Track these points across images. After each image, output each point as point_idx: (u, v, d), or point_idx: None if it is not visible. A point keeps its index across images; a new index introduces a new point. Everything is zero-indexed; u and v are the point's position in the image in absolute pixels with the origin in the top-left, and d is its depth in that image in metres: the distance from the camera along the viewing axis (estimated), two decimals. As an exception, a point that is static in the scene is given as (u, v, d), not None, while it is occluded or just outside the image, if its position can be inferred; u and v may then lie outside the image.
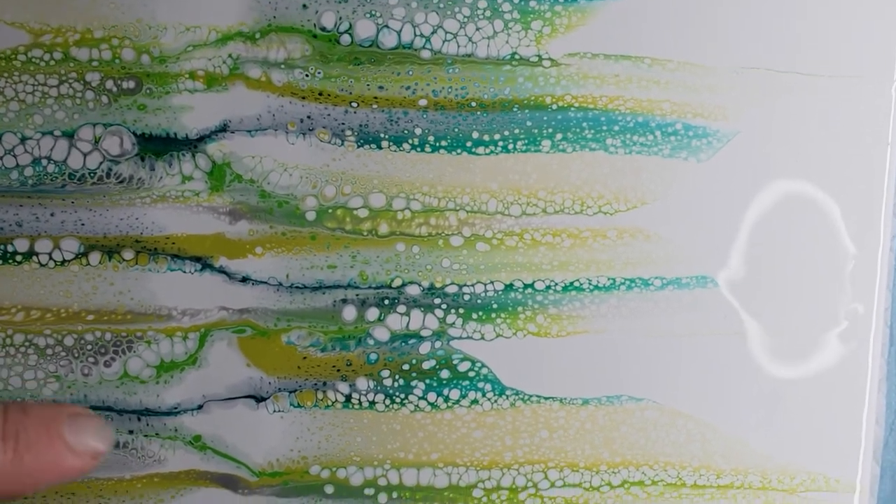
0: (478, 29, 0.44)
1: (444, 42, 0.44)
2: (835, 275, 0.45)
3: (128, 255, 0.44)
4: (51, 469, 0.27)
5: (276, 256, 0.44)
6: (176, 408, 0.44)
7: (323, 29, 0.43)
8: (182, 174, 0.44)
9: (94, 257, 0.44)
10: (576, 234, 0.44)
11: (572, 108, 0.44)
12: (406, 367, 0.45)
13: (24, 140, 0.43)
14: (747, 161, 0.44)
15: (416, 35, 0.44)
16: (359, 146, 0.44)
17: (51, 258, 0.44)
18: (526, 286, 0.45)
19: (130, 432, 0.44)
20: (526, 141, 0.44)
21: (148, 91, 0.43)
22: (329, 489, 0.45)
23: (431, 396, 0.45)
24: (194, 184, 0.44)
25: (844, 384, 0.45)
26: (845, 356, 0.45)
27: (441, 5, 0.43)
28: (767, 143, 0.44)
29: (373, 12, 0.43)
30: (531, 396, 0.45)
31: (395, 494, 0.45)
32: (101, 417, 0.30)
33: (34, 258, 0.44)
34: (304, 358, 0.45)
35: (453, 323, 0.45)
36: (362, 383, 0.45)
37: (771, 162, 0.44)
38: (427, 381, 0.45)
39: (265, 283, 0.44)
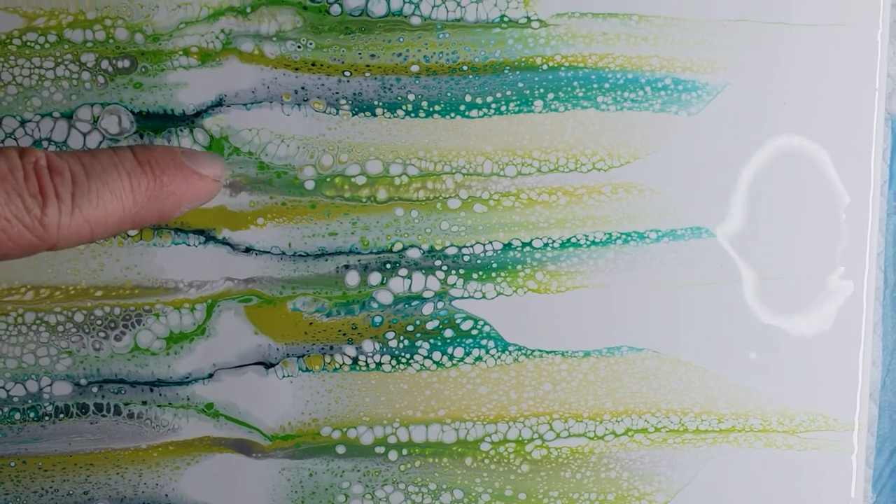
0: (466, -7, 0.44)
1: (433, 8, 0.44)
2: (828, 221, 0.45)
3: (132, 230, 0.45)
4: (186, 190, 0.32)
5: (278, 226, 0.45)
6: (187, 377, 0.46)
7: (313, 0, 0.44)
8: (181, 150, 0.44)
9: (100, 235, 0.45)
10: (571, 191, 0.45)
11: (562, 68, 0.44)
12: (410, 328, 0.46)
13: (23, 123, 0.44)
14: (737, 112, 0.45)
15: (405, 2, 0.44)
16: (353, 114, 0.45)
17: (57, 237, 0.45)
18: (524, 244, 0.45)
19: (144, 403, 0.46)
20: (518, 102, 0.45)
21: (143, 69, 0.44)
22: (341, 449, 0.46)
23: (436, 355, 0.46)
24: (194, 158, 0.44)
25: (840, 327, 0.46)
26: (840, 300, 0.46)
27: (428, -29, 0.44)
28: (756, 94, 0.45)
29: (361, -19, 0.44)
30: (533, 351, 0.46)
31: (405, 451, 0.46)
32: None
33: (41, 238, 0.45)
34: (311, 323, 0.46)
35: (454, 283, 0.45)
36: (368, 346, 0.46)
37: (761, 112, 0.45)
38: (431, 340, 0.46)
39: (268, 252, 0.45)
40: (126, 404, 0.46)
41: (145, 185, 0.31)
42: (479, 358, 0.46)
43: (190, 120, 0.44)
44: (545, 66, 0.44)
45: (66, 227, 0.29)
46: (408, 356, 0.46)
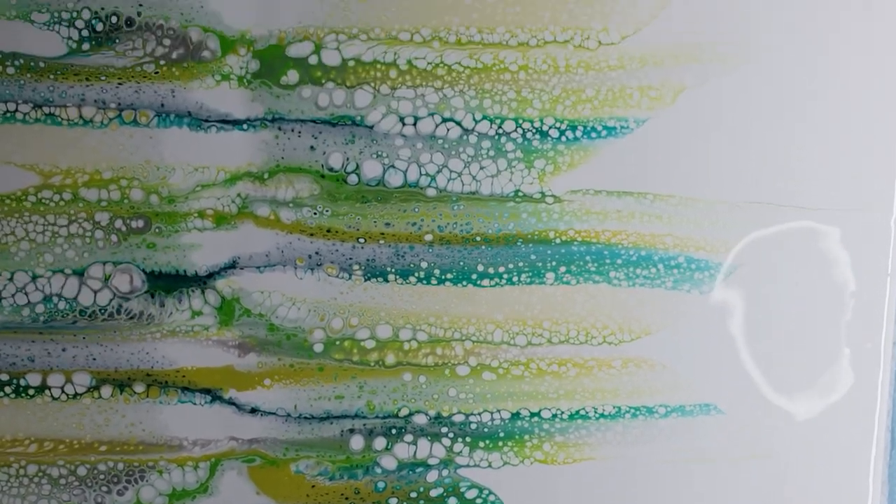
0: (482, 168, 0.44)
1: (448, 180, 0.44)
2: (836, 402, 0.45)
3: (139, 387, 0.45)
4: None
5: (285, 388, 0.45)
6: (188, 534, 0.45)
7: (330, 169, 0.44)
8: (192, 310, 0.44)
9: (106, 390, 0.45)
10: (581, 363, 0.45)
11: (575, 243, 0.44)
12: (414, 494, 0.45)
13: (35, 278, 0.44)
14: (749, 292, 0.45)
15: (421, 174, 0.44)
16: (366, 279, 0.45)
17: (63, 392, 0.45)
18: (532, 414, 0.45)
19: (143, 558, 0.45)
20: (530, 273, 0.45)
21: (157, 230, 0.44)
22: None
23: (439, 522, 0.45)
24: (204, 319, 0.44)
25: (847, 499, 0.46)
26: (844, 480, 0.45)
27: (446, 146, 0.44)
28: (769, 275, 0.45)
29: (379, 153, 0.44)
30: (538, 521, 0.46)
31: None
32: None
33: (47, 392, 0.45)
34: (313, 486, 0.45)
35: (460, 451, 0.45)
36: (371, 509, 0.45)
37: (773, 294, 0.45)
38: (435, 507, 0.45)
39: (274, 413, 0.45)
40: (124, 559, 0.45)
41: None
42: (482, 526, 0.45)
43: (202, 281, 0.44)
44: (558, 240, 0.44)
45: None
46: (411, 521, 0.45)
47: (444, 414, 0.45)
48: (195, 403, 0.45)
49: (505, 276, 0.45)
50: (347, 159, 0.44)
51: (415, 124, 0.44)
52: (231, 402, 0.45)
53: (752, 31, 0.43)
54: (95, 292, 0.44)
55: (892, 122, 0.44)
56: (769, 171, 0.44)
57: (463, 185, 0.44)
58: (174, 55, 0.43)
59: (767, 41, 0.43)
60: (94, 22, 0.43)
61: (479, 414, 0.45)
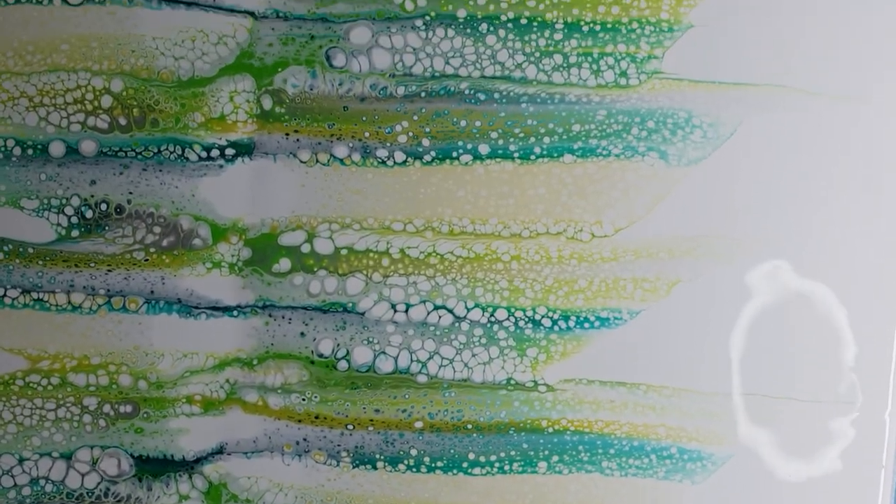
0: (474, 355, 0.44)
1: (440, 367, 0.44)
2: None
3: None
4: None
5: (272, 573, 0.44)
6: None
7: (320, 355, 0.44)
8: (179, 494, 0.44)
9: (91, 573, 0.44)
10: (572, 552, 0.44)
11: (568, 432, 0.44)
12: None
13: (21, 461, 0.44)
14: (743, 483, 0.44)
15: (412, 361, 0.44)
16: (354, 466, 0.44)
17: (47, 573, 0.44)
18: None
19: None
20: (522, 462, 0.44)
21: (145, 415, 0.44)
22: None
23: None
24: (191, 503, 0.44)
25: None
26: None
27: (437, 333, 0.44)
28: (762, 466, 0.44)
29: (370, 339, 0.44)
30: None
31: None
32: None
33: (31, 573, 0.44)
34: None
35: None
36: None
37: (765, 478, 0.44)
38: None
39: None
40: None
41: None
42: None
43: (189, 465, 0.44)
44: (551, 429, 0.44)
45: None
46: None
47: None
48: (181, 586, 0.44)
49: (496, 464, 0.44)
50: (338, 345, 0.44)
51: (406, 311, 0.44)
52: (217, 586, 0.44)
53: (747, 226, 0.43)
54: (83, 475, 0.44)
55: (888, 313, 0.44)
56: (764, 364, 0.44)
57: (454, 372, 0.44)
58: (164, 243, 0.43)
59: (763, 235, 0.43)
60: (83, 209, 0.43)
61: None
